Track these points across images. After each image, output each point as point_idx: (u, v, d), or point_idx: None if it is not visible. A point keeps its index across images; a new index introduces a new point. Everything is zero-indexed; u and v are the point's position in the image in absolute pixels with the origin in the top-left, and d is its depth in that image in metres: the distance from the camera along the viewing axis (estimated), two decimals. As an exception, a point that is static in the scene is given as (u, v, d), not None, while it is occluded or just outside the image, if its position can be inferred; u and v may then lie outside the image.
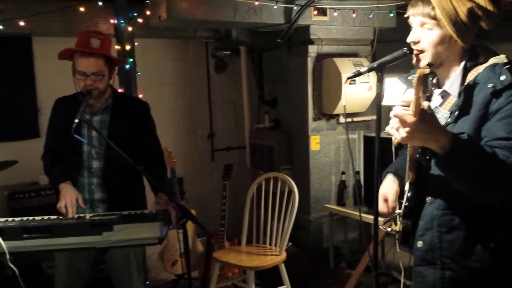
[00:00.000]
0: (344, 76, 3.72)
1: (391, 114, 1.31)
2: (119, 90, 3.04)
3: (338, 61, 3.83)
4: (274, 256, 3.27)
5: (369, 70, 1.62)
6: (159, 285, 4.00)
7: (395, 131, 1.32)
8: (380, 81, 1.61)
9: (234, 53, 4.65)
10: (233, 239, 3.84)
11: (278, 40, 3.83)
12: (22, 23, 3.20)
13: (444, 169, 1.38)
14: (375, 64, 1.59)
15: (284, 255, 3.28)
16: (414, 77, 1.27)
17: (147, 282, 3.64)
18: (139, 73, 3.57)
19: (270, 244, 3.40)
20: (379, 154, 1.64)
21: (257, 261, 3.22)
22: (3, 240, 1.97)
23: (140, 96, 3.44)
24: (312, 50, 3.92)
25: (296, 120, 4.14)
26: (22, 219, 2.19)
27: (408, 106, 1.30)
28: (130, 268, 2.58)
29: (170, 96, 4.59)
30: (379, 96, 1.64)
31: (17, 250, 2.00)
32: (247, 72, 4.59)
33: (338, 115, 4.04)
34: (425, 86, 1.31)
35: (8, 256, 1.97)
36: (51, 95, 3.89)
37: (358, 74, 1.64)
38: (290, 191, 3.33)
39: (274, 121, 4.48)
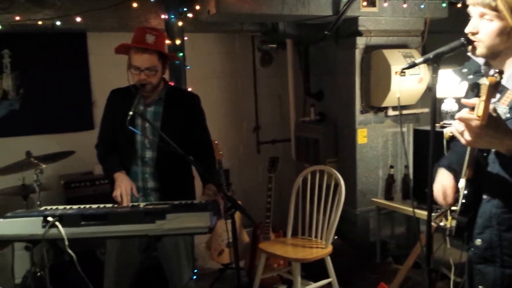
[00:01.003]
0: (393, 68, 3.65)
1: (456, 116, 1.30)
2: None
3: (387, 53, 3.76)
4: (320, 249, 3.28)
5: (425, 61, 1.58)
6: (206, 273, 4.08)
7: (459, 135, 1.30)
8: (435, 72, 1.57)
9: (280, 46, 4.65)
10: (278, 231, 3.88)
11: (326, 32, 3.80)
12: (78, 19, 3.33)
13: (508, 170, 1.34)
14: (431, 55, 1.56)
15: (330, 248, 3.28)
16: (483, 85, 1.24)
17: (195, 270, 3.73)
18: (188, 67, 3.64)
19: (316, 237, 3.41)
20: (433, 148, 1.61)
21: (302, 253, 3.23)
22: (62, 226, 2.07)
23: (189, 89, 3.52)
24: (361, 41, 3.86)
25: (342, 113, 4.10)
26: (79, 207, 2.29)
27: (472, 109, 1.28)
28: (180, 256, 2.66)
29: (217, 90, 4.65)
30: (435, 88, 1.61)
31: (75, 237, 2.09)
32: (293, 65, 4.58)
33: (386, 108, 3.97)
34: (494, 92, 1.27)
35: (66, 242, 2.07)
36: (104, 89, 4.03)
37: (414, 65, 1.61)
38: (336, 184, 3.32)
39: (320, 114, 4.46)
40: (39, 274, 3.37)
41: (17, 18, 3.23)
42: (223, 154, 3.96)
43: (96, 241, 3.41)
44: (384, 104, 3.86)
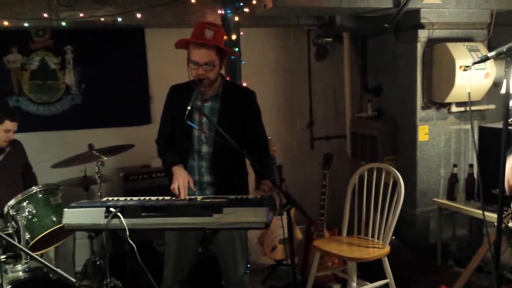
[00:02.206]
0: (458, 62, 3.48)
1: None
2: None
3: (451, 46, 3.59)
4: (377, 249, 3.18)
5: (498, 55, 1.49)
6: (258, 269, 4.08)
7: None
8: (508, 67, 1.47)
9: (336, 40, 4.56)
10: (332, 229, 3.80)
11: (386, 25, 3.68)
12: (138, 15, 3.40)
13: None
14: (504, 48, 1.46)
15: (387, 249, 3.17)
16: None
17: (248, 265, 3.73)
18: (243, 62, 3.64)
19: (373, 237, 3.31)
20: (505, 147, 1.51)
21: (358, 253, 3.15)
22: (124, 217, 2.11)
23: (244, 84, 3.51)
24: (422, 35, 3.71)
25: (402, 109, 3.96)
26: (139, 199, 2.34)
27: None
28: (235, 250, 2.67)
29: (271, 85, 4.62)
30: (508, 83, 1.50)
31: (136, 227, 2.13)
32: (350, 59, 4.48)
33: (449, 104, 3.79)
34: None
35: (127, 233, 2.11)
36: (161, 84, 4.12)
37: (486, 58, 1.52)
38: (395, 183, 3.21)
39: (378, 110, 4.32)
40: (98, 263, 3.50)
41: (81, 15, 3.35)
42: (276, 150, 3.93)
43: (153, 233, 3.50)
44: (448, 100, 3.69)
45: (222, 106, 2.55)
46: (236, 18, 3.48)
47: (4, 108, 3.48)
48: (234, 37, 3.47)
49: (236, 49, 3.53)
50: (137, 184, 3.99)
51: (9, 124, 3.34)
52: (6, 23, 3.28)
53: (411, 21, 3.73)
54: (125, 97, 4.21)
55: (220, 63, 2.47)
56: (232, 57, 3.47)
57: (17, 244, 1.82)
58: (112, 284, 3.15)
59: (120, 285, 3.24)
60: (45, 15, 3.33)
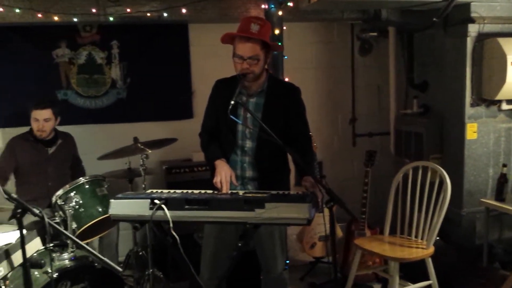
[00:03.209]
0: (510, 58, 3.34)
1: None
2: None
3: (503, 41, 3.44)
4: (421, 249, 3.10)
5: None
6: (297, 265, 4.07)
7: None
8: None
9: (381, 35, 4.47)
10: (374, 228, 3.74)
11: (434, 19, 3.56)
12: (184, 10, 3.44)
13: None
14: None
15: (432, 249, 3.09)
16: None
17: (287, 261, 3.72)
18: (286, 57, 3.61)
19: (416, 237, 3.23)
20: None
21: (401, 253, 3.09)
22: (168, 209, 2.14)
23: (286, 79, 3.49)
24: (472, 29, 3.57)
25: (450, 106, 3.83)
26: (182, 192, 2.37)
27: None
28: (274, 246, 2.66)
29: (312, 80, 4.58)
30: None
31: (179, 220, 2.15)
32: (395, 54, 4.37)
33: (500, 101, 3.64)
34: None
35: (171, 224, 2.14)
36: (204, 79, 4.19)
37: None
38: (441, 182, 3.11)
39: (423, 106, 4.20)
40: (140, 253, 3.58)
41: (128, 10, 3.42)
42: (317, 146, 3.89)
43: (194, 225, 3.54)
44: (498, 97, 3.54)
45: (267, 101, 2.54)
46: (280, 13, 3.46)
47: (37, 99, 3.59)
48: (277, 31, 3.45)
49: (279, 44, 3.51)
50: (179, 177, 4.05)
51: (35, 113, 3.43)
52: (56, 18, 3.39)
53: (461, 15, 3.60)
54: (168, 91, 4.27)
55: (265, 57, 2.46)
56: (275, 52, 3.46)
57: (67, 233, 1.88)
58: (153, 275, 3.22)
59: (162, 276, 3.30)
60: (94, 10, 3.42)
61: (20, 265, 1.77)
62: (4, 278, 1.96)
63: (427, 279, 3.13)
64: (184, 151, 4.14)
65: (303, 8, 3.53)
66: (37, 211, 1.72)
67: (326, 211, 2.25)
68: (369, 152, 3.73)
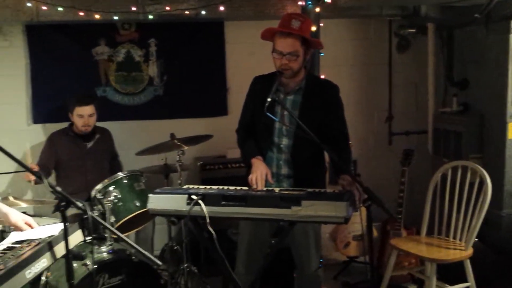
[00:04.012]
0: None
1: None
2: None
3: (549, 37, 3.31)
4: (459, 250, 3.03)
5: None
6: (330, 264, 4.04)
7: None
8: None
9: (419, 31, 4.37)
10: (410, 228, 3.67)
11: (476, 16, 3.46)
12: (221, 8, 3.46)
13: None
14: None
15: (470, 251, 3.02)
16: None
17: (321, 260, 3.71)
18: (322, 54, 3.59)
19: (454, 238, 3.16)
20: None
21: (438, 254, 3.03)
22: (205, 205, 2.17)
23: (322, 77, 3.46)
24: (516, 25, 3.45)
25: (491, 105, 3.71)
26: (218, 188, 2.39)
27: None
28: (309, 244, 2.66)
29: (348, 77, 4.52)
30: None
31: (215, 215, 2.18)
32: (434, 51, 4.27)
33: (544, 100, 3.51)
34: None
35: (208, 220, 2.16)
36: (239, 76, 4.21)
37: None
38: (481, 183, 3.03)
39: (463, 105, 4.08)
40: (175, 248, 3.63)
41: (167, 8, 3.47)
42: (352, 144, 3.84)
43: (228, 221, 3.57)
44: (542, 96, 3.41)
45: (304, 99, 2.54)
46: (317, 9, 3.43)
47: (76, 95, 3.69)
48: (313, 28, 3.40)
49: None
50: (213, 174, 4.08)
51: (79, 110, 3.54)
52: (97, 16, 3.47)
53: (504, 11, 3.47)
54: (203, 88, 4.31)
55: (304, 54, 2.44)
56: (315, 49, 3.43)
57: (110, 227, 1.93)
58: (188, 270, 3.26)
59: (196, 271, 3.34)
60: (133, 8, 3.49)
61: (63, 256, 1.82)
62: (47, 269, 2.03)
63: (465, 281, 3.06)
64: (219, 148, 4.17)
65: (340, 5, 3.50)
66: (80, 205, 1.78)
67: (361, 210, 2.23)
68: (406, 151, 3.67)
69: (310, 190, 2.28)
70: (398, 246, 3.17)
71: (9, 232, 2.65)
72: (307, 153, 2.56)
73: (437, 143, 4.24)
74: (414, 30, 4.34)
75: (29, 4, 3.42)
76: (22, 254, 1.70)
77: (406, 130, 4.64)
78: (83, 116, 3.54)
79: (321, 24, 3.56)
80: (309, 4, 3.42)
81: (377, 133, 4.67)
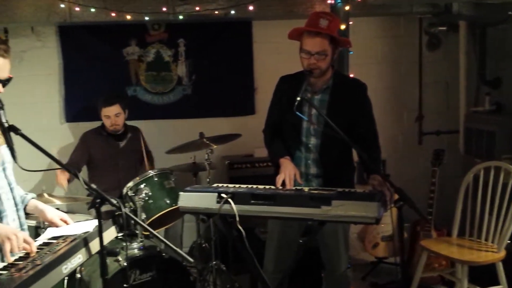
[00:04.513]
0: None
1: None
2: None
3: None
4: (491, 253, 2.97)
5: None
6: (358, 264, 4.01)
7: None
8: None
9: (450, 29, 4.29)
10: (440, 229, 3.61)
11: (510, 13, 3.38)
12: (251, 8, 3.47)
13: None
14: None
15: (503, 253, 2.96)
16: None
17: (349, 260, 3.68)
18: (351, 52, 3.56)
19: (487, 240, 3.09)
20: None
21: (470, 256, 2.97)
22: (234, 204, 2.18)
23: (351, 75, 3.43)
24: (552, 22, 3.35)
25: (525, 104, 3.62)
26: (247, 187, 2.40)
27: None
28: (338, 244, 2.65)
29: (378, 76, 4.47)
30: None
31: (245, 214, 2.18)
32: (466, 49, 4.18)
33: None
34: None
35: (237, 218, 2.17)
36: (266, 76, 4.21)
37: None
38: (516, 184, 2.96)
39: (496, 104, 3.99)
40: (204, 245, 3.66)
41: (197, 8, 3.50)
42: (380, 143, 3.80)
43: (256, 220, 3.57)
44: None
45: (332, 98, 2.52)
46: (347, 8, 3.41)
47: (102, 96, 3.76)
48: (343, 27, 3.40)
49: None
50: (241, 173, 4.11)
51: (105, 110, 3.61)
52: (128, 17, 3.53)
53: (540, 7, 3.39)
54: (231, 88, 4.33)
55: (333, 53, 2.43)
56: (342, 47, 3.41)
57: (143, 224, 1.97)
58: (217, 267, 3.29)
59: (224, 268, 3.36)
60: (164, 9, 3.53)
61: (97, 252, 1.85)
62: (81, 265, 2.08)
63: (497, 284, 2.99)
64: (246, 147, 4.19)
65: (370, 3, 3.46)
66: (114, 202, 1.81)
67: (391, 210, 2.21)
68: (437, 151, 3.61)
69: (340, 189, 2.26)
70: (428, 247, 3.12)
71: (44, 228, 2.74)
72: (335, 152, 2.55)
73: (469, 143, 4.15)
74: (445, 28, 4.26)
75: (62, 5, 3.51)
76: (59, 249, 1.72)
77: (436, 129, 4.56)
78: (110, 116, 3.62)
79: (350, 23, 3.53)
80: (339, 2, 3.39)
81: (406, 133, 4.61)
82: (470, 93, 4.27)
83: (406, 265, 3.63)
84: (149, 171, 3.22)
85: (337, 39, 2.43)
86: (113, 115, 3.61)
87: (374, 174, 2.39)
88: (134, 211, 3.05)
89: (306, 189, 2.33)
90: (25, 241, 1.70)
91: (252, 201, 2.18)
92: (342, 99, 2.52)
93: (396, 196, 2.19)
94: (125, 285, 2.64)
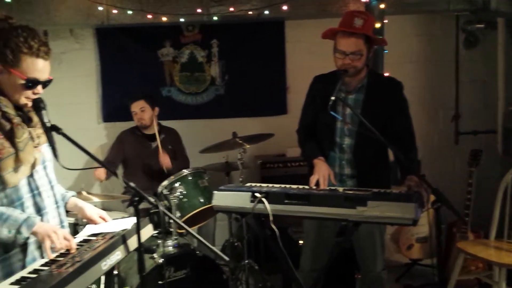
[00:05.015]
0: None
1: None
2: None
3: None
4: (531, 256, 2.88)
5: None
6: (392, 266, 3.95)
7: None
8: None
9: (488, 26, 4.16)
10: (477, 231, 3.52)
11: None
12: (284, 7, 3.47)
13: None
14: None
15: (543, 257, 2.86)
16: None
17: (383, 262, 3.64)
18: (386, 51, 3.51)
19: (526, 243, 3.00)
20: None
21: (508, 258, 2.89)
22: (268, 203, 2.18)
23: (386, 74, 3.39)
24: None
25: None
26: (281, 186, 2.40)
27: None
28: (374, 245, 2.62)
29: (413, 75, 4.38)
30: None
31: (278, 213, 2.18)
32: (504, 47, 4.05)
33: None
34: None
35: (271, 218, 2.18)
36: (298, 76, 4.21)
37: None
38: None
39: (536, 103, 3.87)
40: (236, 244, 3.69)
41: (231, 9, 3.52)
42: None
43: (289, 220, 3.57)
44: None
45: (367, 97, 2.50)
46: (382, 6, 3.36)
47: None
48: (378, 25, 3.35)
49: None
50: (273, 172, 4.11)
51: (132, 107, 3.76)
52: (164, 18, 3.59)
53: None
54: (263, 88, 4.34)
55: (368, 52, 2.41)
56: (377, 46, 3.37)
57: (180, 222, 2.00)
58: (249, 266, 3.30)
59: (257, 267, 3.37)
60: (198, 10, 3.57)
61: (135, 250, 1.89)
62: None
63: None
64: (278, 146, 4.19)
65: (405, 0, 3.41)
66: (152, 200, 1.85)
67: (426, 212, 2.17)
68: (474, 151, 3.52)
69: (375, 190, 2.23)
70: (465, 249, 3.05)
71: (81, 225, 2.81)
72: (370, 153, 2.53)
73: (507, 143, 4.04)
74: (482, 26, 4.14)
75: (100, 8, 3.59)
76: (98, 246, 1.75)
77: (473, 129, 4.43)
78: (136, 112, 3.74)
79: (385, 21, 3.48)
80: (373, 0, 3.35)
81: (442, 133, 4.51)
82: (509, 92, 4.13)
83: (441, 267, 3.57)
84: (183, 170, 3.27)
85: (373, 38, 2.41)
86: (138, 110, 3.72)
87: (411, 175, 2.35)
88: (169, 209, 3.09)
89: (340, 189, 2.31)
90: (65, 238, 1.75)
91: (286, 201, 2.18)
92: (378, 98, 2.49)
93: (432, 197, 2.15)
94: (160, 282, 2.69)
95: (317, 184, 2.39)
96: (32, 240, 1.79)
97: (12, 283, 1.54)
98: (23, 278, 1.57)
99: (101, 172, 3.57)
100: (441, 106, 4.49)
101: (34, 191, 1.86)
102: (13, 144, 1.76)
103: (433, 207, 2.10)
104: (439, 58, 4.42)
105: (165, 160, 3.61)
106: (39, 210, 1.87)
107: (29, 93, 1.79)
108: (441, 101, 4.47)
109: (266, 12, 3.52)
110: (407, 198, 2.03)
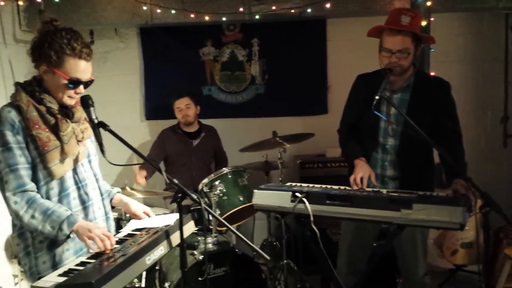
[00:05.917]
0: None
1: None
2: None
3: None
4: None
5: None
6: (434, 271, 3.82)
7: None
8: None
9: (541, 25, 3.98)
10: (527, 238, 3.37)
11: None
12: (327, 5, 3.43)
13: None
14: None
15: None
16: None
17: (425, 266, 3.54)
18: (432, 50, 3.41)
19: None
20: None
21: (561, 268, 2.75)
22: (309, 203, 2.16)
23: (432, 74, 3.29)
24: None
25: None
26: (321, 187, 2.37)
27: None
28: (416, 249, 2.55)
29: (459, 74, 4.24)
30: None
31: (319, 214, 2.16)
32: (559, 45, 3.87)
33: None
34: None
35: (312, 218, 2.16)
36: (340, 74, 4.15)
37: None
38: None
39: None
40: (274, 243, 3.67)
41: (273, 7, 3.52)
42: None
43: (328, 221, 3.53)
44: None
45: (413, 97, 2.43)
46: (428, 3, 3.27)
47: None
48: (424, 23, 3.26)
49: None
50: (312, 172, 4.07)
51: (176, 103, 3.81)
52: (206, 18, 3.63)
53: None
54: (304, 87, 4.31)
55: (415, 50, 2.35)
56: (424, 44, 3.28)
57: (221, 219, 2.00)
58: (287, 266, 3.28)
59: (295, 268, 3.35)
60: (240, 9, 3.58)
61: (177, 245, 1.91)
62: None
63: None
64: (318, 146, 4.15)
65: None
66: (195, 197, 1.86)
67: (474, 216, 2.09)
68: (524, 155, 3.37)
69: (421, 193, 2.17)
70: (513, 256, 2.93)
71: (125, 220, 2.88)
72: (414, 154, 2.46)
73: (561, 147, 3.84)
74: (534, 24, 3.96)
75: (144, 8, 3.66)
76: (142, 241, 1.79)
77: (524, 131, 4.25)
78: (181, 108, 3.79)
79: (431, 19, 3.38)
80: (420, -2, 3.27)
81: (490, 135, 4.34)
82: None
83: (487, 274, 3.43)
84: (223, 168, 3.28)
85: (420, 36, 2.34)
86: (183, 106, 3.78)
87: (458, 178, 2.27)
88: (209, 207, 3.11)
89: (384, 191, 2.26)
90: (104, 235, 1.78)
91: (328, 201, 2.15)
92: (424, 98, 2.42)
93: (479, 202, 2.07)
94: (200, 278, 2.71)
95: (361, 183, 2.34)
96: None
97: (60, 275, 1.59)
98: (70, 270, 1.61)
99: (142, 177, 3.64)
100: (489, 107, 4.32)
101: (79, 184, 1.92)
102: (58, 137, 1.83)
103: (482, 211, 2.02)
104: (487, 57, 4.25)
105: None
106: (83, 202, 1.93)
107: (71, 92, 1.86)
108: (489, 102, 4.30)
109: (309, 10, 3.49)
110: (455, 201, 1.97)
